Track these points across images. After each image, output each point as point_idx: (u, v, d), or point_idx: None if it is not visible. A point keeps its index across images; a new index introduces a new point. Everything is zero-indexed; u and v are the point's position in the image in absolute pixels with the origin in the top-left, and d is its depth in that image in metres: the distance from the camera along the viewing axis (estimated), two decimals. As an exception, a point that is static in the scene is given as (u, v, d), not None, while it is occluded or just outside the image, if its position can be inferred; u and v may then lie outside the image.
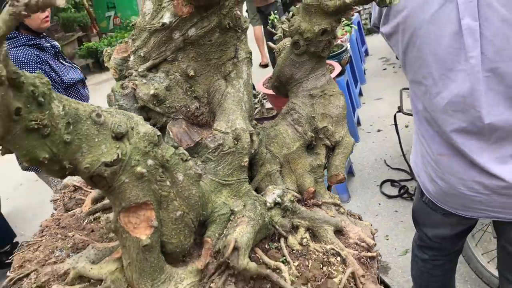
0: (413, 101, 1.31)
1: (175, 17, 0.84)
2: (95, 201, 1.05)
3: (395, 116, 2.90)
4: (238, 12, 0.89)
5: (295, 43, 0.99)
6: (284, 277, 0.82)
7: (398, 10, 1.15)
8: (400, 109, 2.76)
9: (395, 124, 2.92)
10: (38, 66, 2.29)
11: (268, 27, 2.73)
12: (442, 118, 1.19)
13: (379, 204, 2.77)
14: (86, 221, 1.01)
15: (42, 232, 0.99)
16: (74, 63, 2.61)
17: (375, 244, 0.97)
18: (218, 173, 0.86)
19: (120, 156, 0.70)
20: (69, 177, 1.18)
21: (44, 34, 2.43)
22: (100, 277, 0.79)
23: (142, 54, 0.89)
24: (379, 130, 3.67)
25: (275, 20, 2.71)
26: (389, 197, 2.78)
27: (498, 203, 1.24)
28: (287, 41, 1.14)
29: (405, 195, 2.74)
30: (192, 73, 0.89)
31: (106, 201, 1.03)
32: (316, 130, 1.01)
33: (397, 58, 1.39)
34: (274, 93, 1.15)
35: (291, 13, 1.03)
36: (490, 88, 1.10)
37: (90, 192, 1.14)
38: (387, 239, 2.41)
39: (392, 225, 2.53)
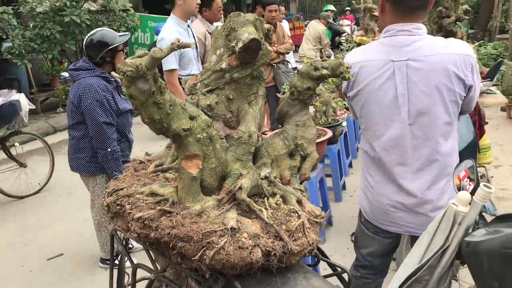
0: (362, 144, 1.99)
1: (229, 65, 1.55)
2: (156, 166, 1.70)
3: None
4: (262, 69, 1.60)
5: (291, 92, 1.69)
6: (263, 214, 1.45)
7: (359, 82, 1.85)
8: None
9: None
10: (104, 93, 3.03)
11: (278, 94, 3.54)
12: (380, 152, 1.86)
13: (347, 248, 3.36)
14: (150, 176, 1.66)
15: (125, 174, 1.64)
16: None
17: (321, 216, 1.59)
18: (236, 152, 1.52)
19: (191, 127, 1.38)
20: (137, 155, 1.84)
21: (110, 72, 3.20)
22: (163, 194, 1.43)
23: (205, 83, 1.59)
24: (360, 195, 4.32)
25: (286, 89, 3.49)
26: (357, 244, 3.38)
27: (411, 219, 1.87)
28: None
29: (370, 244, 3.33)
30: (231, 97, 1.58)
31: (164, 166, 1.68)
32: (296, 145, 1.68)
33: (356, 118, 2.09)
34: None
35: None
36: (411, 132, 1.78)
37: (150, 165, 1.79)
38: (348, 272, 2.98)
39: (354, 263, 3.11)
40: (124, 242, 1.77)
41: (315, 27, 8.27)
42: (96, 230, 3.37)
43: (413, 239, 2.00)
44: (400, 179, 1.85)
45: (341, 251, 3.32)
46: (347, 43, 6.56)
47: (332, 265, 1.70)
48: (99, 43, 3.04)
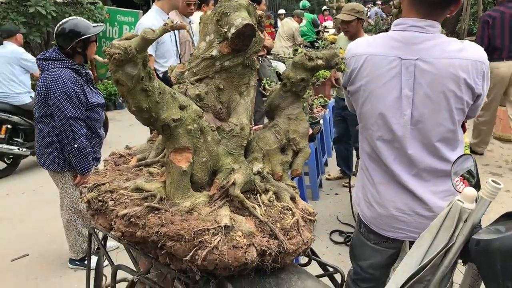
0: (362, 143, 1.87)
1: (219, 53, 1.45)
2: (139, 160, 1.58)
3: (349, 178, 3.53)
4: (254, 58, 1.51)
5: (283, 84, 1.61)
6: (257, 211, 1.36)
7: (362, 77, 1.69)
8: (354, 174, 3.40)
9: (349, 186, 3.54)
10: (72, 85, 2.86)
11: (260, 88, 3.43)
12: (383, 153, 1.76)
13: (327, 247, 3.32)
14: (132, 170, 1.54)
15: (105, 169, 1.52)
16: (99, 90, 3.20)
17: (314, 213, 1.52)
18: (228, 146, 1.43)
19: (181, 117, 1.27)
20: (116, 148, 1.73)
21: (82, 64, 3.04)
22: (150, 190, 1.32)
23: (194, 71, 1.49)
24: (336, 194, 4.30)
25: (267, 84, 3.41)
26: (336, 242, 3.35)
27: (416, 223, 1.73)
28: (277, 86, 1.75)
29: (349, 243, 3.29)
30: (221, 87, 1.48)
31: (147, 160, 1.57)
32: (289, 139, 1.60)
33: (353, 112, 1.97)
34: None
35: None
36: (413, 136, 1.69)
37: (131, 159, 1.67)
38: (328, 271, 2.93)
39: (333, 263, 3.05)
40: (103, 242, 1.65)
41: (289, 25, 8.22)
42: (65, 229, 3.19)
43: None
44: (404, 181, 1.72)
45: (321, 250, 3.26)
46: (321, 41, 6.55)
47: (324, 265, 1.63)
48: (71, 33, 2.87)
